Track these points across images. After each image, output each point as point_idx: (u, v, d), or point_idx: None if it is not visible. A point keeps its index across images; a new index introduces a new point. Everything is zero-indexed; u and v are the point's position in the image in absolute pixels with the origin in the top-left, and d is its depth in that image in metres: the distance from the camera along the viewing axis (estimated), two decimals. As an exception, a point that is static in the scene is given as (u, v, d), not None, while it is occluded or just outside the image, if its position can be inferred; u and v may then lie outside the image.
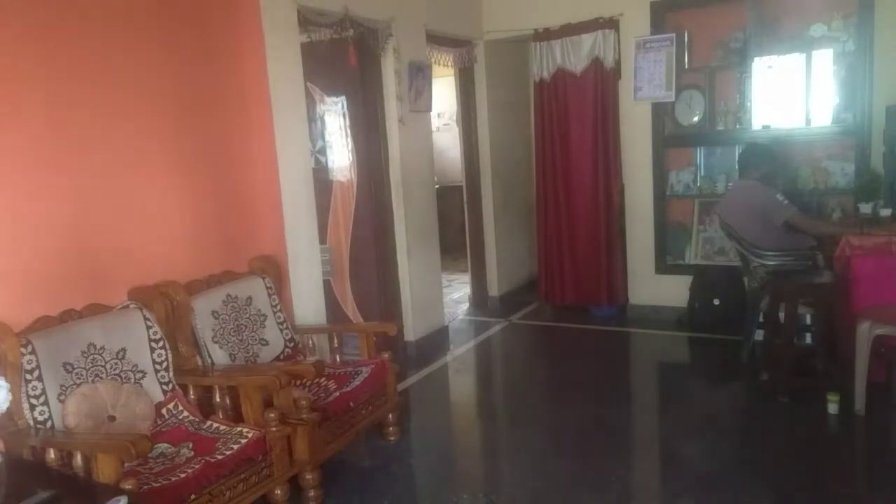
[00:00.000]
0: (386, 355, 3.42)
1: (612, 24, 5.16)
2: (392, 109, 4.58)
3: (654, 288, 5.37)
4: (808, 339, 4.10)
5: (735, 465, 3.05)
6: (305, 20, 3.85)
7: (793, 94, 4.78)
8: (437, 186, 5.24)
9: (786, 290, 3.75)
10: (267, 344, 3.31)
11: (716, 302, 4.86)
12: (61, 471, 2.24)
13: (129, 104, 2.96)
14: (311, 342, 3.67)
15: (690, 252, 5.33)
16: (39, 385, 2.41)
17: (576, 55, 5.28)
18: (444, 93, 6.49)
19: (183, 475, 2.31)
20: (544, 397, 4.05)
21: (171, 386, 2.81)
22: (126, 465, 2.25)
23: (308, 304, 3.83)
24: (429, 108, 5.04)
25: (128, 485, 2.07)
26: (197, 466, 2.36)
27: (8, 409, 2.12)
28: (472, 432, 3.86)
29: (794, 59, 4.75)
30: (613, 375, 4.44)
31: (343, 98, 4.60)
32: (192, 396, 2.90)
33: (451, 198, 6.54)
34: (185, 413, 2.78)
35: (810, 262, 3.97)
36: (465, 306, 6.06)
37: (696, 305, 4.99)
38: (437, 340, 5.01)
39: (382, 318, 4.54)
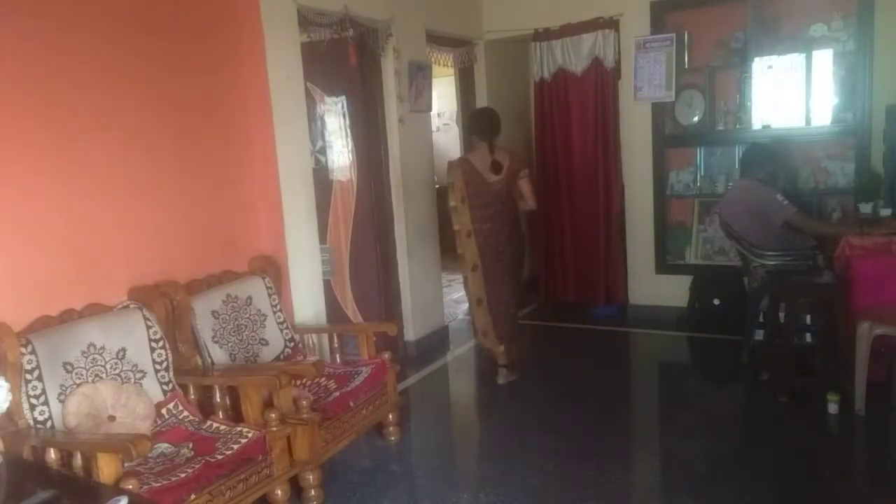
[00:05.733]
0: (386, 355, 3.42)
1: (612, 24, 5.16)
2: (392, 109, 4.58)
3: (654, 288, 5.37)
4: (808, 339, 4.10)
5: (735, 465, 3.05)
6: (305, 20, 3.85)
7: (793, 94, 4.78)
8: (437, 186, 5.24)
9: (786, 290, 3.75)
10: (267, 344, 3.30)
11: (716, 302, 4.86)
12: (61, 471, 2.24)
13: (129, 104, 2.96)
14: (311, 342, 3.67)
15: (690, 252, 5.33)
16: (39, 385, 2.42)
17: (576, 55, 5.29)
18: (444, 93, 6.48)
19: (183, 475, 2.30)
20: (544, 397, 4.05)
21: (171, 386, 2.81)
22: (126, 465, 2.25)
23: (308, 304, 3.83)
24: (429, 108, 5.04)
25: (128, 485, 2.07)
26: (197, 466, 2.36)
27: (8, 409, 2.12)
28: (472, 432, 3.86)
29: (794, 59, 4.76)
30: (613, 375, 4.44)
31: (343, 98, 4.59)
32: (192, 396, 2.90)
33: (451, 198, 6.52)
34: (185, 413, 2.78)
35: (810, 262, 3.97)
36: (465, 306, 6.04)
37: (696, 305, 4.99)
38: (437, 340, 5.01)
39: (382, 318, 4.55)
